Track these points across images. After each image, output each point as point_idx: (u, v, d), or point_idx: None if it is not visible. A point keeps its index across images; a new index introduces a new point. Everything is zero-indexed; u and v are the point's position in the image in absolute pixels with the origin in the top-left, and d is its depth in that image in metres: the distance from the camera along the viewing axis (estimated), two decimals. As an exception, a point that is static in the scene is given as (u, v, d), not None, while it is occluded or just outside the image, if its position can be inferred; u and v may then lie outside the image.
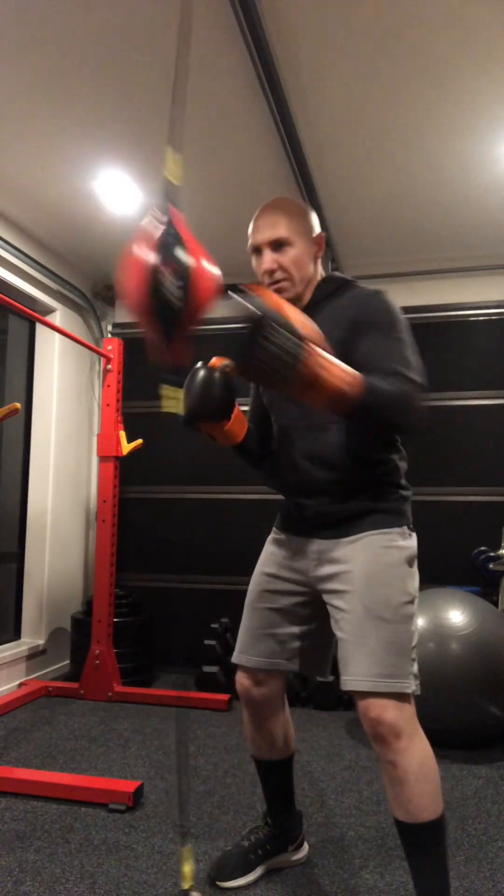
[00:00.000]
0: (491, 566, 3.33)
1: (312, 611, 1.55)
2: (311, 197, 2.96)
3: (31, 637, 3.60)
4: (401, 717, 1.32)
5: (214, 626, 3.57)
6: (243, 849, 1.70)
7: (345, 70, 2.23)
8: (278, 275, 1.51)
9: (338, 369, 1.21)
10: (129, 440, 3.34)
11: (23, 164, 2.85)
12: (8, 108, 2.46)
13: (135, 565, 4.02)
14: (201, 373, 1.50)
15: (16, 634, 3.60)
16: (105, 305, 4.19)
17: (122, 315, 4.24)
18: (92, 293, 4.18)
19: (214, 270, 1.36)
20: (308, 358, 1.15)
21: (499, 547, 3.36)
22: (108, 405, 3.35)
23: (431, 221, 3.31)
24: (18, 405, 2.42)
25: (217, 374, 1.48)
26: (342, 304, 1.49)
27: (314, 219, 1.57)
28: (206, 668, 3.35)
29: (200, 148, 2.71)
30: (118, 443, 3.31)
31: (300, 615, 1.56)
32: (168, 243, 1.31)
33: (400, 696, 1.33)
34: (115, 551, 3.36)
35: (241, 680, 1.62)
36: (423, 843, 1.34)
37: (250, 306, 1.16)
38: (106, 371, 3.39)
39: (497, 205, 3.13)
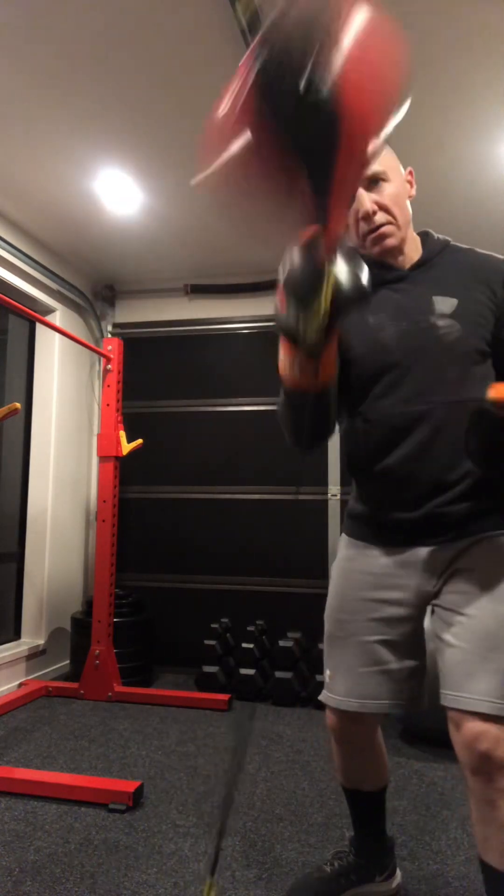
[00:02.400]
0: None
1: (422, 637, 1.34)
2: (311, 197, 2.96)
3: (31, 637, 3.60)
4: None
5: (214, 626, 3.57)
6: (324, 874, 1.53)
7: (345, 70, 2.23)
8: (380, 217, 1.26)
9: None
10: (129, 440, 3.34)
11: (23, 164, 2.85)
12: (8, 109, 2.46)
13: (135, 565, 4.02)
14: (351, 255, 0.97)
15: (16, 634, 3.60)
16: (105, 305, 4.19)
17: (123, 315, 4.25)
18: (92, 293, 4.18)
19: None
20: None
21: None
22: (108, 405, 3.34)
23: (431, 221, 3.30)
24: (18, 405, 2.42)
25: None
26: (466, 263, 1.33)
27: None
28: (206, 668, 3.35)
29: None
30: (118, 443, 3.31)
31: (412, 646, 1.33)
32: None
33: None
34: (115, 551, 3.36)
35: (336, 721, 1.41)
36: None
37: None
38: (106, 371, 3.39)
39: (497, 205, 3.13)
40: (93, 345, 3.47)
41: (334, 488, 3.73)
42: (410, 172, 1.35)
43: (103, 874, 1.69)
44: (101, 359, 3.49)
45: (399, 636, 1.32)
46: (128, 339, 3.93)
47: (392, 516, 1.31)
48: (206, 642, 3.46)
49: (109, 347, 3.37)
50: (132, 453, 3.35)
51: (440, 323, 1.27)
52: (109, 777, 2.26)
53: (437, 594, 1.28)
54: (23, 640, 3.59)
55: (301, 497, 3.85)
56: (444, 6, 1.94)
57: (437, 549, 1.27)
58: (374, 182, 1.27)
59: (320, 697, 1.44)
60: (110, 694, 3.17)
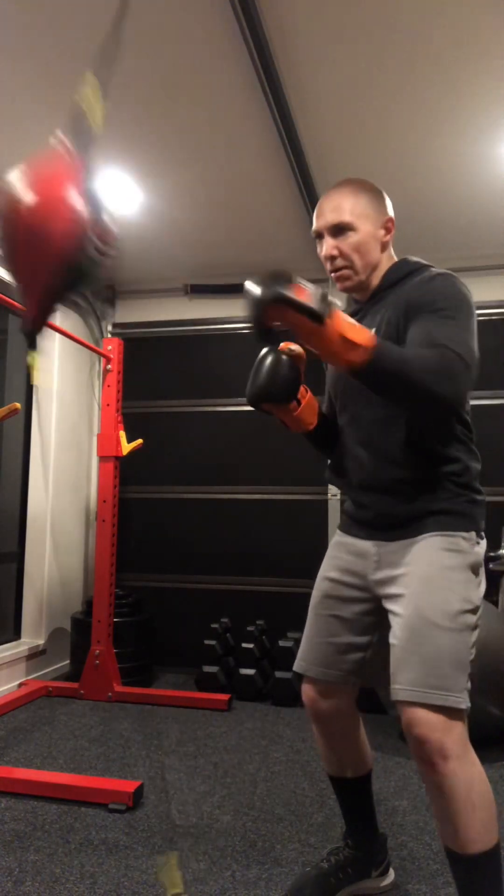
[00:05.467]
0: (491, 566, 3.33)
1: (376, 620, 1.46)
2: (311, 198, 2.96)
3: (31, 637, 3.60)
4: (449, 736, 1.20)
5: (214, 626, 3.57)
6: (323, 871, 1.56)
7: (345, 70, 2.23)
8: (339, 262, 1.43)
9: (357, 326, 1.17)
10: (129, 440, 3.34)
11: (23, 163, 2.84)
12: (8, 108, 2.46)
13: (135, 565, 4.02)
14: (269, 355, 1.40)
15: (16, 634, 3.60)
16: (105, 305, 4.19)
17: (123, 315, 4.25)
18: (92, 293, 4.17)
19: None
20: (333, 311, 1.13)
21: (499, 547, 3.36)
22: (108, 405, 3.34)
23: (431, 221, 3.31)
24: (18, 405, 2.42)
25: (284, 357, 1.38)
26: (405, 289, 1.40)
27: (386, 202, 1.48)
28: (206, 668, 3.35)
29: (200, 148, 2.70)
30: (118, 443, 3.31)
31: (362, 624, 1.46)
32: (95, 200, 1.21)
33: (451, 713, 1.21)
34: (115, 551, 3.36)
35: (307, 691, 1.53)
36: (475, 875, 1.23)
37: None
38: (106, 371, 3.39)
39: (497, 205, 3.13)
40: (93, 345, 3.47)
41: (334, 488, 3.73)
42: (390, 220, 1.46)
43: (103, 874, 1.69)
44: (101, 359, 3.49)
45: (348, 614, 1.47)
46: (128, 339, 3.93)
47: (356, 514, 1.51)
48: (206, 642, 3.46)
49: (109, 347, 3.37)
50: (132, 453, 3.35)
51: None
52: (109, 777, 2.26)
53: (382, 594, 1.41)
54: (23, 640, 3.59)
55: (301, 497, 3.85)
56: (441, 5, 1.94)
57: (384, 545, 1.41)
58: (339, 230, 1.42)
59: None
60: (110, 694, 3.17)
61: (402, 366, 1.18)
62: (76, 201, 1.17)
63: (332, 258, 1.43)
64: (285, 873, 1.70)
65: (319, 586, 1.54)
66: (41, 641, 3.56)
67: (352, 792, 1.59)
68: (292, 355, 1.40)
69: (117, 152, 2.75)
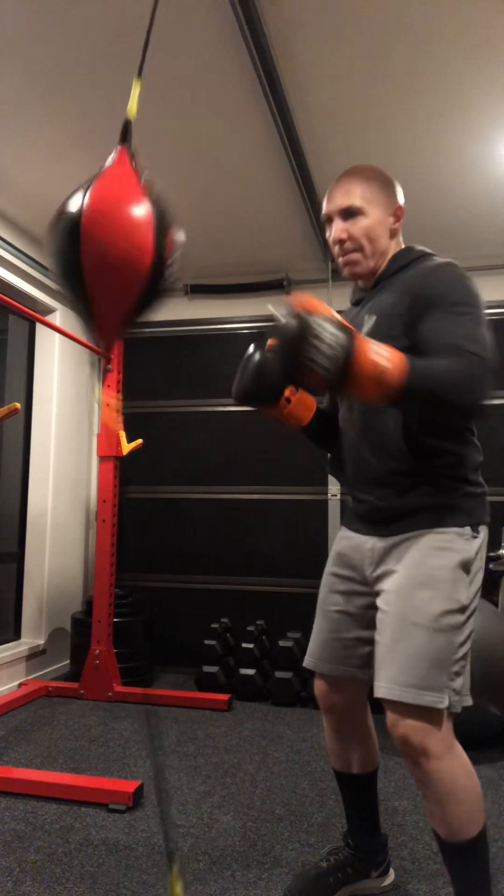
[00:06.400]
0: (491, 566, 3.32)
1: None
2: (311, 198, 2.96)
3: (31, 637, 3.60)
4: (429, 735, 1.22)
5: (214, 626, 3.57)
6: (322, 871, 1.56)
7: (345, 71, 2.23)
8: (348, 245, 1.42)
9: (381, 354, 1.11)
10: (129, 440, 3.34)
11: (23, 164, 2.85)
12: (8, 109, 2.46)
13: (135, 565, 4.02)
14: (256, 353, 1.40)
15: (16, 634, 3.60)
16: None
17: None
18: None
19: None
20: (359, 347, 1.08)
21: (498, 547, 3.36)
22: (108, 405, 3.34)
23: (431, 221, 3.31)
24: (18, 405, 2.42)
25: (270, 356, 1.33)
26: (409, 277, 1.38)
27: (397, 189, 1.47)
28: (206, 668, 3.35)
29: (199, 148, 2.70)
30: (118, 443, 3.31)
31: (368, 618, 1.43)
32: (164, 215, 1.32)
33: (430, 712, 1.22)
34: (115, 551, 3.36)
35: (319, 685, 1.54)
36: (462, 859, 1.28)
37: (287, 314, 1.10)
38: (106, 371, 3.39)
39: (497, 205, 3.13)
40: (93, 345, 3.47)
41: (334, 488, 3.73)
42: (400, 208, 1.46)
43: (103, 874, 1.69)
44: (101, 359, 3.49)
45: (353, 608, 1.47)
46: (128, 340, 3.93)
47: (354, 507, 1.51)
48: (206, 642, 3.46)
49: (109, 347, 3.37)
50: (132, 453, 3.35)
51: None
52: (109, 777, 2.26)
53: (375, 590, 1.40)
54: (23, 640, 3.59)
55: (301, 497, 3.85)
56: (442, 5, 1.94)
57: (379, 540, 1.40)
58: (349, 214, 1.41)
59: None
60: (110, 694, 3.17)
61: (435, 387, 1.15)
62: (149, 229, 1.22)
63: (340, 241, 1.42)
64: (285, 873, 1.70)
65: (324, 581, 1.55)
66: (41, 641, 3.56)
67: (357, 789, 1.59)
68: None
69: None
